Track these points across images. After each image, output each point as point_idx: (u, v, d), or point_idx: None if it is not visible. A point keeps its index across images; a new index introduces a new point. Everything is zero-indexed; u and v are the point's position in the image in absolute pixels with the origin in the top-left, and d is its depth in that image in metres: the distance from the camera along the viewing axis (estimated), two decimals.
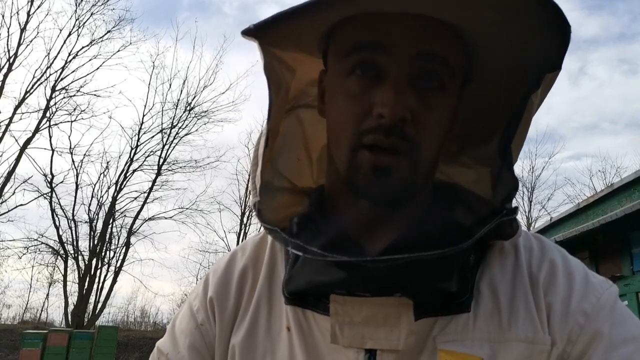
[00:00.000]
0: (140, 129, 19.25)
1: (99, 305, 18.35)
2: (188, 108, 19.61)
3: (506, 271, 0.60)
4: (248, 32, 0.56)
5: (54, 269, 20.02)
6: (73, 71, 18.16)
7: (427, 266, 0.54)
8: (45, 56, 17.77)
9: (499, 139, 0.60)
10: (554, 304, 0.57)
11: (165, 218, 19.51)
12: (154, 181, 19.08)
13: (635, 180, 7.29)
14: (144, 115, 20.17)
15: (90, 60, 18.30)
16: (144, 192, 19.01)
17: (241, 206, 20.75)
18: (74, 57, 18.00)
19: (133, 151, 19.03)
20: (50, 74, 17.56)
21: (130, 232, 18.85)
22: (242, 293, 0.66)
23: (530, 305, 0.57)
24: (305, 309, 0.60)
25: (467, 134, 0.67)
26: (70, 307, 17.58)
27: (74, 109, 17.83)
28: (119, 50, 18.80)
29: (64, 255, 17.95)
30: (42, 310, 23.28)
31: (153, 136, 19.39)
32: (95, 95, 18.49)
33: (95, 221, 18.46)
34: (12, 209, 16.91)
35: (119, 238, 19.14)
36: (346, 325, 0.56)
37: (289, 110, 0.69)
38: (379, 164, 0.54)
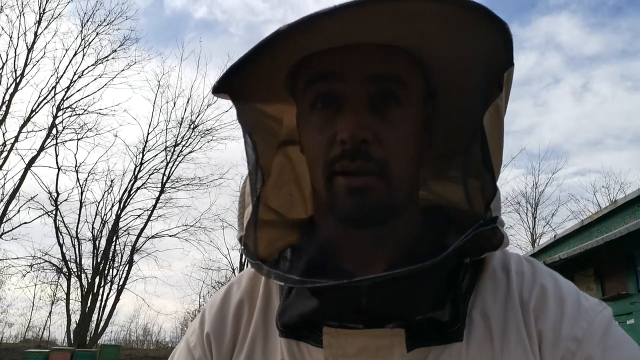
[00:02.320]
0: (145, 147, 19.42)
1: (102, 324, 18.26)
2: (192, 126, 19.78)
3: (498, 298, 0.60)
4: (216, 90, 0.58)
5: (56, 287, 20.02)
6: (79, 90, 18.46)
7: (414, 286, 0.54)
8: (52, 75, 18.07)
9: (477, 148, 0.59)
10: (545, 330, 0.56)
11: (169, 236, 19.53)
12: (158, 199, 19.14)
13: (639, 197, 7.25)
14: (148, 134, 20.43)
15: (95, 79, 18.60)
16: (148, 210, 19.07)
17: None
18: (79, 77, 18.28)
19: (137, 169, 19.17)
20: (56, 93, 17.80)
21: (134, 250, 18.83)
22: (239, 327, 0.67)
23: (522, 332, 0.57)
24: (300, 341, 0.61)
25: (448, 150, 0.68)
26: (73, 326, 17.49)
27: (80, 127, 18.03)
28: (123, 70, 19.11)
29: (67, 273, 17.92)
30: (44, 329, 23.25)
31: (157, 154, 19.55)
32: (100, 113, 18.75)
33: (98, 239, 18.49)
34: (16, 227, 16.98)
35: (122, 256, 19.15)
36: (340, 357, 0.57)
37: (278, 147, 0.71)
38: (352, 185, 0.55)
